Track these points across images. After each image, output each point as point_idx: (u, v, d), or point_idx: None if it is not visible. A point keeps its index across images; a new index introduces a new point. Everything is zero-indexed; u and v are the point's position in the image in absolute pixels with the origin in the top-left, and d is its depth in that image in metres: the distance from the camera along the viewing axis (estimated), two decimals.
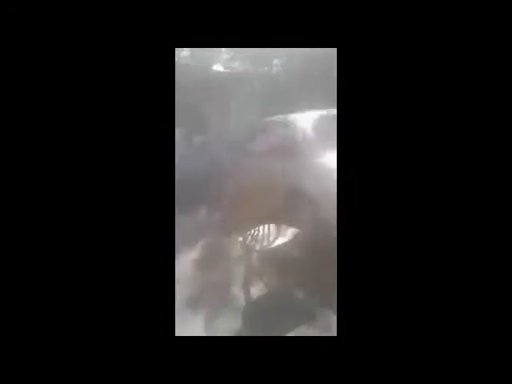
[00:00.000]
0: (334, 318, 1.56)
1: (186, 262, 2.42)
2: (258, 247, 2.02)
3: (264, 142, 3.15)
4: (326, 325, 1.62)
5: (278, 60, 7.31)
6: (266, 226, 2.19)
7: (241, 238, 2.07)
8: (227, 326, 1.72)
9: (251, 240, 2.07)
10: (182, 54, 6.50)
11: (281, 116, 3.27)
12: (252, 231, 2.12)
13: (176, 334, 1.14)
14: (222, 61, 7.37)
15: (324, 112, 2.85)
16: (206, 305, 1.90)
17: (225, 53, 7.23)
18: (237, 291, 2.00)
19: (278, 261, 2.22)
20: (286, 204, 2.45)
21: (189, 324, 1.72)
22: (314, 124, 2.67)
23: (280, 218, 2.25)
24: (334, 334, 1.35)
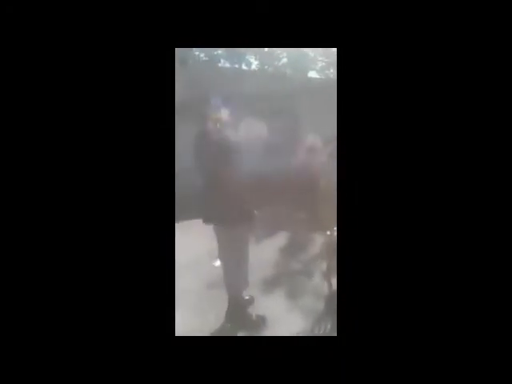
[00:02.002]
0: None
1: (265, 249, 3.11)
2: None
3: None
4: None
5: None
6: None
7: (328, 232, 2.32)
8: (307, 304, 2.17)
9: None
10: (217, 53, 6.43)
11: None
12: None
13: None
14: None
15: None
16: (288, 284, 2.43)
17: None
18: (318, 280, 2.48)
19: None
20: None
21: (270, 296, 2.28)
22: None
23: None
24: None
